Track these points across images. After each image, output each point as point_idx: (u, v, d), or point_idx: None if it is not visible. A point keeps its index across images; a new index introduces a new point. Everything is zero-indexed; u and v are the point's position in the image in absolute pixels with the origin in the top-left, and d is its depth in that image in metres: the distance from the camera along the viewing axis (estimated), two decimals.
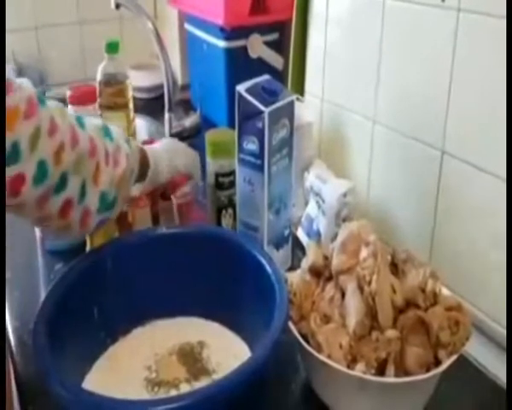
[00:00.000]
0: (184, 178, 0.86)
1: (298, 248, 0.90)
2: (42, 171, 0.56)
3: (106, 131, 0.68)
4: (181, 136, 1.24)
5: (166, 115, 1.20)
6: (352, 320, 0.59)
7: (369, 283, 0.59)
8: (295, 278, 0.66)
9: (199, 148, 0.90)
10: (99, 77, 1.02)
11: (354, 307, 0.60)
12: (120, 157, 0.67)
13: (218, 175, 0.88)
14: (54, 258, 0.90)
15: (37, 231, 0.93)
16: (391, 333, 0.58)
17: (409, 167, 0.85)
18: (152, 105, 1.45)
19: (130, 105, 1.05)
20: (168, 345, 0.70)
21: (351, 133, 0.97)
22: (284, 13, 1.16)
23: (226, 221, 0.90)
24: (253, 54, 1.21)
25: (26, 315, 0.73)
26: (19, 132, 0.53)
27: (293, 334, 0.61)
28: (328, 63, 1.01)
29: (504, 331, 0.71)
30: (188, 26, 1.38)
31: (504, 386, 0.67)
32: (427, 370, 0.57)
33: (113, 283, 0.69)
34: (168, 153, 0.82)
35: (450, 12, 0.72)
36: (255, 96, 0.74)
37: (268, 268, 0.66)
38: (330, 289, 0.65)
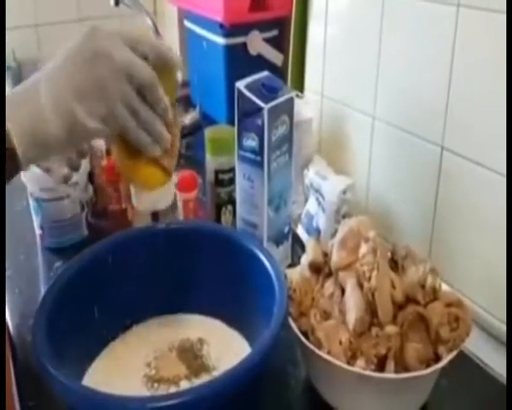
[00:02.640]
0: (192, 175, 0.86)
1: (297, 244, 0.90)
2: None
3: None
4: (181, 133, 1.25)
5: None
6: (352, 316, 0.59)
7: (369, 279, 0.59)
8: (295, 274, 0.66)
9: (199, 145, 0.90)
10: None
11: (354, 304, 0.60)
12: None
13: (217, 172, 0.88)
14: (53, 255, 0.90)
15: (37, 229, 0.93)
16: (390, 329, 0.58)
17: (408, 163, 0.85)
18: None
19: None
20: (168, 342, 0.70)
21: (350, 130, 0.97)
22: (284, 9, 1.16)
23: (226, 218, 0.90)
24: (253, 50, 1.21)
25: (26, 312, 0.74)
26: None
27: (293, 330, 0.61)
28: (327, 59, 1.00)
29: (504, 327, 0.71)
30: (187, 23, 1.38)
31: (504, 381, 0.67)
32: (427, 366, 0.57)
33: (113, 279, 0.69)
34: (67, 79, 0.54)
35: (449, 7, 0.72)
36: (255, 93, 0.74)
37: (268, 265, 0.66)
38: (330, 285, 0.65)
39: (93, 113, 0.54)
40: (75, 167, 0.75)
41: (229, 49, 1.20)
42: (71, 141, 0.55)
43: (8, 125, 0.50)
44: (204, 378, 0.64)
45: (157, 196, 0.64)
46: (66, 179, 0.75)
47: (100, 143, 0.98)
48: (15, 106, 0.52)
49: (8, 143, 0.50)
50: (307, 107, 0.98)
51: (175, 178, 0.71)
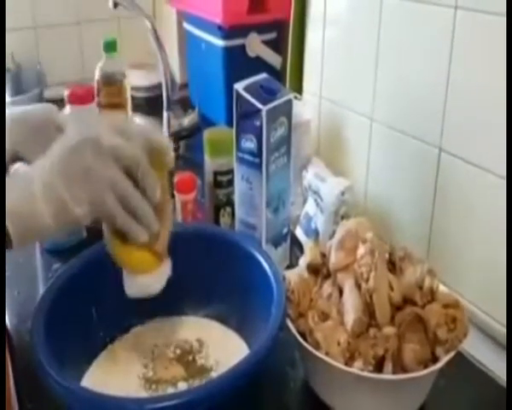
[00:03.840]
0: (191, 177, 0.85)
1: (296, 246, 0.91)
2: None
3: None
4: (179, 134, 1.25)
5: (165, 114, 1.20)
6: (350, 317, 0.59)
7: (367, 280, 0.59)
8: (293, 275, 0.66)
9: (197, 147, 0.90)
10: (97, 76, 1.02)
11: (352, 305, 0.60)
12: None
13: (216, 174, 0.88)
14: (52, 257, 0.90)
15: None
16: (388, 330, 0.58)
17: (406, 165, 0.85)
18: (150, 104, 1.45)
19: (129, 104, 1.05)
20: (166, 343, 0.70)
21: (349, 131, 0.97)
22: (282, 12, 1.16)
23: (224, 220, 0.90)
24: (252, 53, 1.21)
25: (25, 314, 0.74)
26: None
27: (291, 331, 0.62)
28: (326, 61, 1.01)
29: (502, 328, 0.71)
30: (186, 25, 1.38)
31: (502, 382, 0.67)
32: (425, 367, 0.58)
33: (111, 281, 0.69)
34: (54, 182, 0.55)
35: (447, 9, 0.73)
36: (253, 95, 0.75)
37: (266, 266, 0.66)
38: (328, 286, 0.65)
39: (81, 199, 0.55)
40: None
41: (227, 51, 1.20)
42: (60, 227, 0.56)
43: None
44: (202, 380, 0.64)
45: (147, 281, 0.62)
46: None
47: None
48: (9, 189, 0.54)
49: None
50: (306, 109, 0.98)
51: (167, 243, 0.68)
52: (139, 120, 0.65)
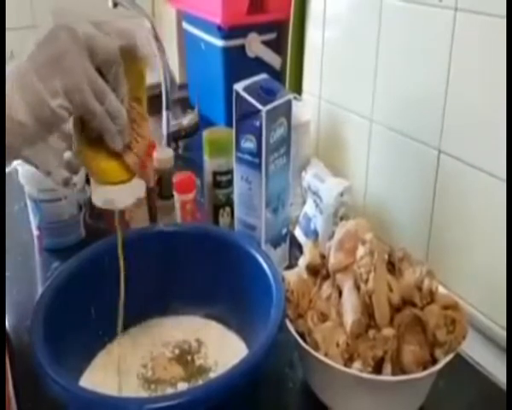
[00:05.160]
0: (190, 177, 0.85)
1: (295, 246, 0.91)
2: None
3: None
4: (179, 134, 1.25)
5: (164, 114, 1.20)
6: (349, 319, 0.59)
7: (366, 281, 0.59)
8: (292, 276, 0.66)
9: (197, 147, 0.90)
10: None
11: (351, 306, 0.60)
12: None
13: (215, 174, 0.88)
14: (51, 256, 0.90)
15: (34, 230, 0.93)
16: (387, 331, 0.58)
17: (406, 166, 0.85)
18: (149, 103, 1.45)
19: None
20: (165, 343, 0.70)
21: (348, 132, 0.97)
22: (282, 12, 1.16)
23: (224, 220, 0.90)
24: (251, 53, 1.21)
25: (24, 313, 0.73)
26: None
27: (291, 332, 0.62)
28: (325, 62, 1.01)
29: (501, 330, 0.71)
30: (186, 25, 1.38)
31: (501, 385, 0.67)
32: (424, 368, 0.58)
33: (110, 281, 0.69)
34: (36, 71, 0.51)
35: (447, 11, 0.73)
36: (253, 95, 0.75)
37: (265, 267, 0.66)
38: (327, 287, 0.65)
39: (56, 90, 0.51)
40: (75, 171, 0.75)
41: (227, 51, 1.20)
42: (39, 126, 0.52)
43: None
44: (201, 380, 0.65)
45: (114, 193, 0.58)
46: (66, 182, 0.75)
47: None
48: None
49: None
50: (305, 109, 0.98)
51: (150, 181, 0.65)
52: (121, 23, 0.59)
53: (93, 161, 0.59)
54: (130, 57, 0.56)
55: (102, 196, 0.61)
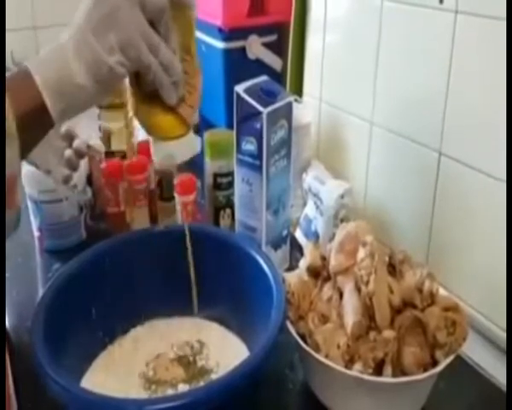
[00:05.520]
0: (191, 179, 0.85)
1: (296, 248, 0.91)
2: None
3: None
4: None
5: None
6: (350, 320, 0.59)
7: (367, 283, 0.59)
8: (293, 278, 0.66)
9: None
10: None
11: (352, 308, 0.60)
12: None
13: (216, 175, 0.88)
14: (52, 257, 0.90)
15: (35, 231, 0.93)
16: (388, 333, 0.58)
17: (406, 168, 0.85)
18: None
19: (129, 105, 1.05)
20: (166, 345, 0.70)
21: (349, 134, 0.97)
22: (283, 14, 1.16)
23: (224, 221, 0.90)
24: (252, 55, 1.21)
25: (24, 314, 0.74)
26: None
27: (291, 334, 0.62)
28: (326, 65, 1.01)
29: (501, 332, 0.71)
30: None
31: (501, 386, 0.67)
32: (425, 370, 0.58)
33: (111, 282, 0.69)
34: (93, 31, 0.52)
35: (447, 14, 0.73)
36: (253, 97, 0.75)
37: (266, 268, 0.66)
38: (328, 289, 0.65)
39: (112, 46, 0.51)
40: (74, 167, 0.75)
41: (228, 53, 1.20)
42: (97, 85, 0.52)
43: (36, 78, 0.50)
44: (202, 381, 0.65)
45: (174, 148, 0.59)
46: (66, 180, 0.75)
47: (99, 144, 0.98)
48: (43, 59, 0.52)
49: (38, 97, 0.50)
50: (306, 111, 0.98)
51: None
52: None
53: (149, 117, 0.59)
54: (178, 7, 0.56)
55: (161, 153, 0.61)
